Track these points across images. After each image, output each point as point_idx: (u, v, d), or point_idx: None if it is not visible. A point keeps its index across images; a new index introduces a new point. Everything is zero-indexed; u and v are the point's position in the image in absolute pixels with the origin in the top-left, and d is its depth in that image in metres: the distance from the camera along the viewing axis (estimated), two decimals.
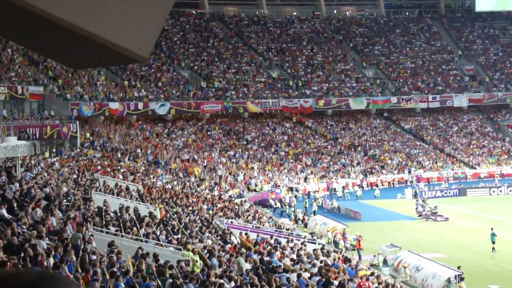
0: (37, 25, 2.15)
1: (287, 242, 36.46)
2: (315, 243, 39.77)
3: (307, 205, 59.54)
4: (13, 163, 39.01)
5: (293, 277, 24.86)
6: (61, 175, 42.55)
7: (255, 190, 65.81)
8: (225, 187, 63.30)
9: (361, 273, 29.59)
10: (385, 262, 38.53)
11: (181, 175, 63.15)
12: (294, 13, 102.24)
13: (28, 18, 2.12)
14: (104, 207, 32.95)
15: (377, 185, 72.96)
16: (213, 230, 36.28)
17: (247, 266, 25.67)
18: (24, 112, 60.91)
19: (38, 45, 2.41)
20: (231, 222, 41.78)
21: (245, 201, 57.14)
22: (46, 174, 39.50)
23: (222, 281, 20.32)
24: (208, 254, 27.29)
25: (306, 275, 26.36)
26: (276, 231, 41.24)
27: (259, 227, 41.82)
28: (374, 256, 39.26)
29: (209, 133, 77.84)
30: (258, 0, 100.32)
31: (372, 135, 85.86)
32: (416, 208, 57.81)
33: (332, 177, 73.31)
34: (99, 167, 53.69)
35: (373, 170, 77.22)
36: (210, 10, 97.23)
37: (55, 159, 51.04)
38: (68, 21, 2.13)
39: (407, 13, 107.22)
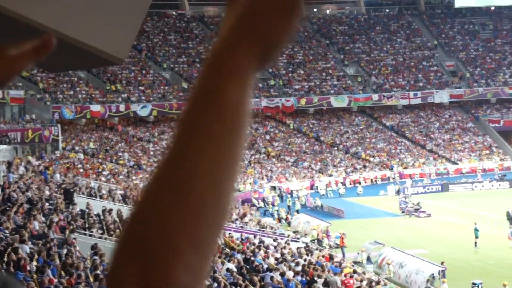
0: (6, 26, 2.16)
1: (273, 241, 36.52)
2: (298, 242, 39.89)
3: (290, 204, 59.54)
4: None
5: (277, 276, 24.91)
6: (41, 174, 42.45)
7: (238, 190, 65.64)
8: None
9: (345, 271, 29.72)
10: (368, 259, 38.67)
11: None
12: None
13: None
14: (87, 210, 32.89)
15: (359, 183, 72.95)
16: None
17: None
18: (5, 116, 60.59)
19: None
20: None
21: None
22: (28, 178, 39.37)
23: (206, 281, 20.31)
24: None
25: (290, 273, 26.42)
26: (259, 230, 41.29)
27: (242, 227, 41.84)
28: (358, 253, 39.37)
29: None
30: None
31: (354, 132, 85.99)
32: (400, 205, 57.99)
33: (314, 176, 73.28)
34: (81, 170, 53.54)
35: (355, 168, 77.27)
36: (190, 11, 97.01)
37: (37, 162, 50.80)
38: (43, 24, 2.15)
39: (387, 10, 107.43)
